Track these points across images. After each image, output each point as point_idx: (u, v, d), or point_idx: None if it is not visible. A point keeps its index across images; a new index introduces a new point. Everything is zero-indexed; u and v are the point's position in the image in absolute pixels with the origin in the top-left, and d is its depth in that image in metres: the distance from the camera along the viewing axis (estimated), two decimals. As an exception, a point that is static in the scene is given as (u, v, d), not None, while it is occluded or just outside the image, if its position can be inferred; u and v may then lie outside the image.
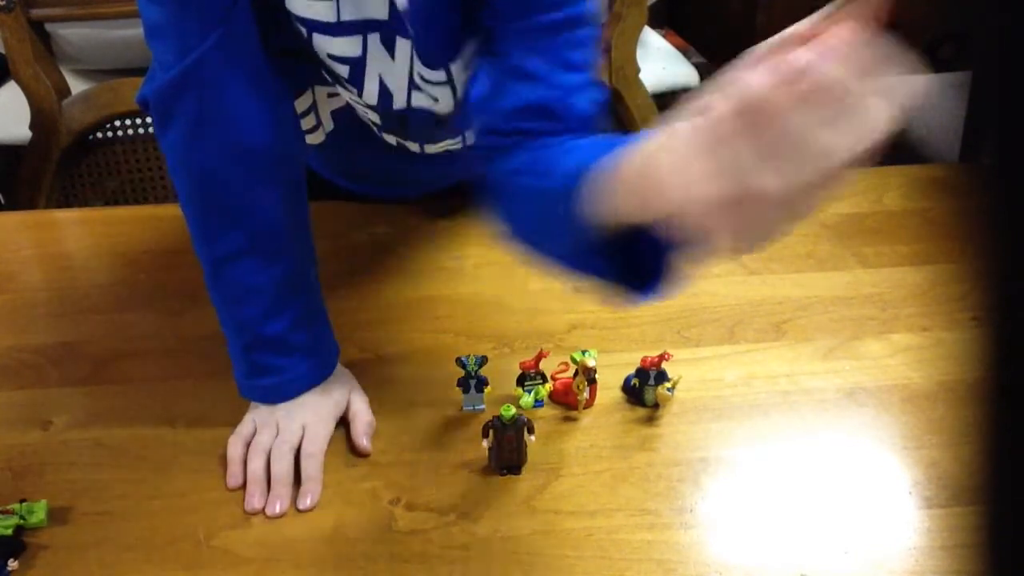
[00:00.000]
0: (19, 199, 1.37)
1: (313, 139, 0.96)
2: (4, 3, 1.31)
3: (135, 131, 1.37)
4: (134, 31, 1.75)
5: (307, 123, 0.94)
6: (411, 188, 1.11)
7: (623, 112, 1.42)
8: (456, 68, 0.80)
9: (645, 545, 0.70)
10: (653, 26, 2.06)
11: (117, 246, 1.09)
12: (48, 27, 1.55)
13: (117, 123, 1.36)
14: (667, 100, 2.00)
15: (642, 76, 1.42)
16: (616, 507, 0.74)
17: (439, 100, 0.84)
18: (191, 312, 0.97)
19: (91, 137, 1.36)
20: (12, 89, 1.45)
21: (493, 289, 1.00)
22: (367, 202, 1.11)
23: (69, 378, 0.89)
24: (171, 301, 0.99)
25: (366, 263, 1.04)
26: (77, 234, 1.15)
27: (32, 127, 1.34)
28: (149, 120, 1.36)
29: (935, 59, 2.12)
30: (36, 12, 1.38)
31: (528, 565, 0.69)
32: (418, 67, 0.80)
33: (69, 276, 1.05)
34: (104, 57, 1.78)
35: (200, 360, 0.90)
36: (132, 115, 1.35)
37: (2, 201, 1.62)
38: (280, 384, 0.80)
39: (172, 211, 1.18)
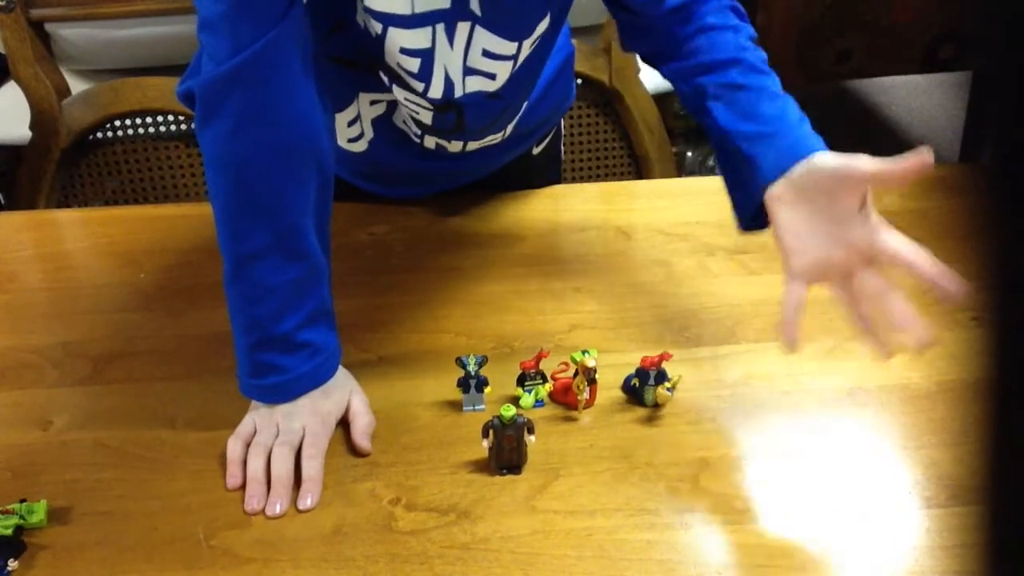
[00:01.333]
0: (19, 199, 1.37)
1: (357, 147, 0.99)
2: (4, 3, 1.31)
3: (135, 131, 1.37)
4: (134, 31, 1.75)
5: (352, 132, 0.96)
6: (441, 185, 1.12)
7: (623, 112, 1.42)
8: (526, 43, 0.86)
9: (645, 545, 0.70)
10: (653, 26, 2.05)
11: (117, 246, 1.09)
12: (48, 27, 1.55)
13: (117, 123, 1.36)
14: (667, 100, 2.01)
15: (642, 76, 1.42)
16: (616, 507, 0.74)
17: (496, 77, 0.88)
18: (191, 312, 0.97)
19: (91, 137, 1.36)
20: (12, 89, 1.45)
21: (493, 289, 1.00)
22: (367, 202, 1.11)
23: (69, 378, 0.89)
24: (171, 301, 0.99)
25: (366, 263, 1.04)
26: (77, 234, 1.15)
27: (32, 127, 1.34)
28: (149, 120, 1.36)
29: (935, 59, 2.12)
30: (36, 12, 1.38)
31: (528, 565, 0.69)
32: (484, 43, 0.84)
33: (69, 276, 1.06)
34: (104, 57, 1.79)
35: (200, 360, 0.90)
36: (132, 115, 1.35)
37: (2, 201, 1.62)
38: (282, 384, 0.80)
39: (172, 211, 1.18)
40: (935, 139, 2.66)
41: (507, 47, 0.86)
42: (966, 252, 0.24)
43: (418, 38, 0.82)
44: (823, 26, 2.04)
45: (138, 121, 1.36)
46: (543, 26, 0.88)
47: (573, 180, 1.44)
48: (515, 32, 0.85)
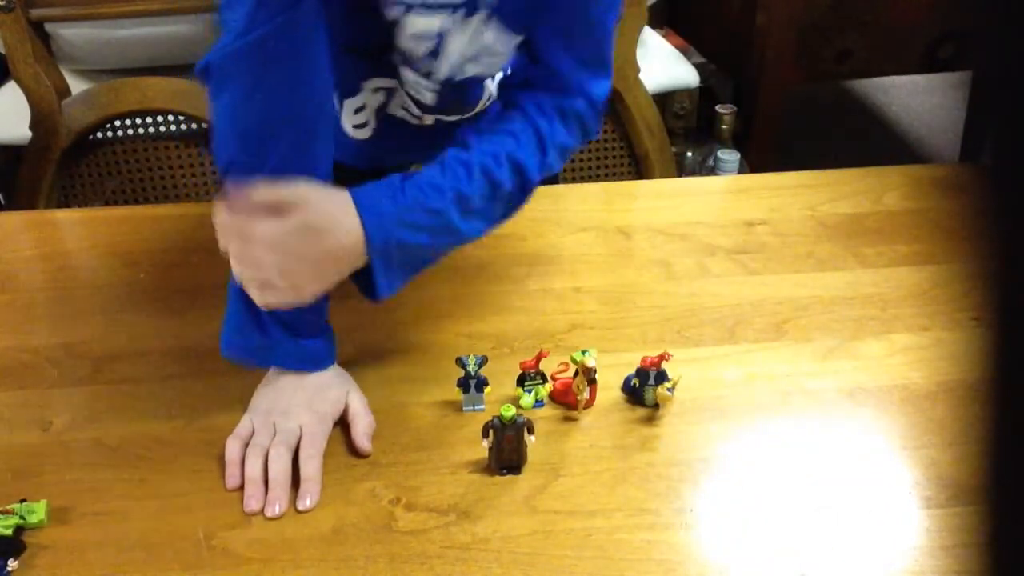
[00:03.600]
0: (19, 199, 1.37)
1: (362, 134, 1.00)
2: (4, 3, 1.31)
3: (135, 131, 1.37)
4: (134, 31, 1.75)
5: (359, 119, 0.98)
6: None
7: (623, 112, 1.42)
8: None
9: (645, 545, 0.70)
10: (653, 26, 2.06)
11: (117, 246, 1.09)
12: (48, 27, 1.55)
13: (117, 123, 1.36)
14: (667, 100, 2.01)
15: (642, 76, 1.42)
16: (616, 507, 0.74)
17: (496, 65, 0.91)
18: (191, 312, 0.97)
19: (91, 137, 1.36)
20: (12, 89, 1.45)
21: (493, 289, 1.00)
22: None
23: (69, 378, 0.89)
24: (171, 301, 0.99)
25: (366, 263, 1.04)
26: (77, 234, 1.15)
27: (32, 127, 1.34)
28: (149, 120, 1.37)
29: (935, 59, 2.12)
30: (36, 12, 1.38)
31: (528, 565, 0.69)
32: (491, 37, 0.86)
33: (69, 276, 1.06)
34: (104, 57, 1.78)
35: (200, 360, 0.90)
36: (132, 115, 1.35)
37: (2, 201, 1.62)
38: (264, 347, 0.81)
39: (172, 211, 1.18)
40: (935, 139, 2.66)
41: (516, 40, 0.88)
42: (966, 252, 0.24)
43: (435, 23, 0.84)
44: (823, 26, 2.04)
45: (138, 121, 1.36)
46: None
47: (573, 180, 1.44)
48: (521, 28, 0.87)
